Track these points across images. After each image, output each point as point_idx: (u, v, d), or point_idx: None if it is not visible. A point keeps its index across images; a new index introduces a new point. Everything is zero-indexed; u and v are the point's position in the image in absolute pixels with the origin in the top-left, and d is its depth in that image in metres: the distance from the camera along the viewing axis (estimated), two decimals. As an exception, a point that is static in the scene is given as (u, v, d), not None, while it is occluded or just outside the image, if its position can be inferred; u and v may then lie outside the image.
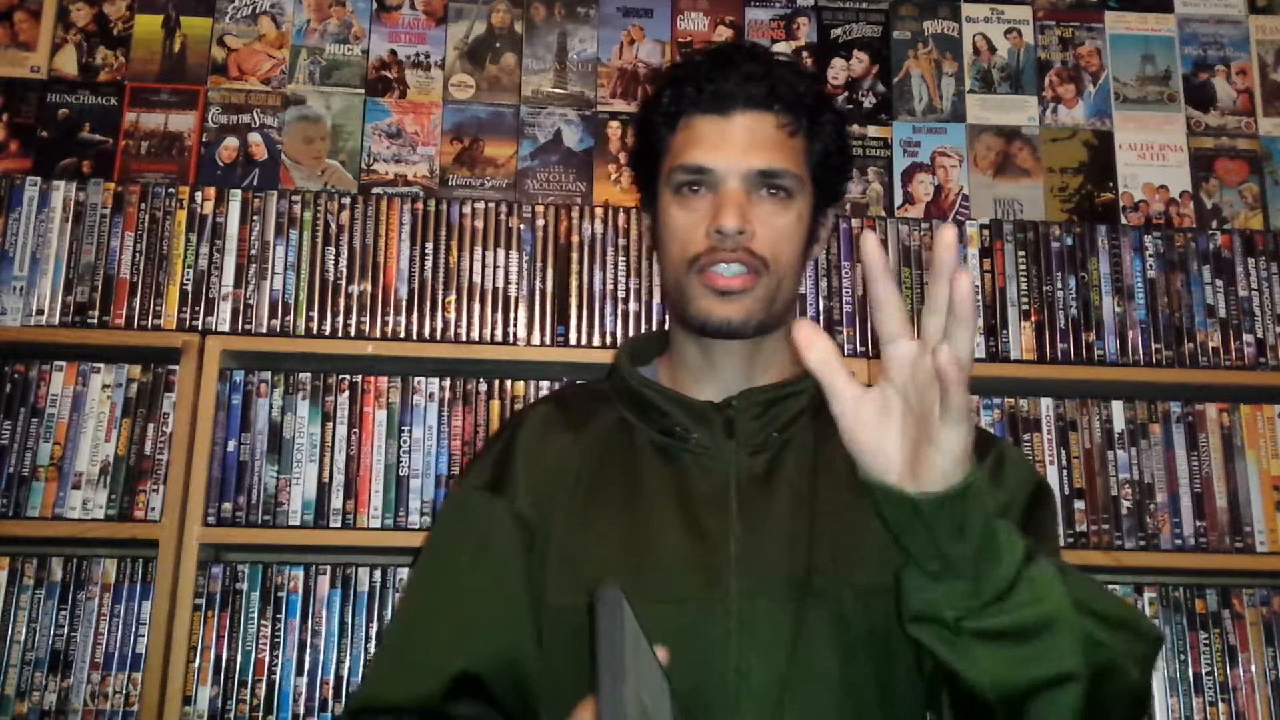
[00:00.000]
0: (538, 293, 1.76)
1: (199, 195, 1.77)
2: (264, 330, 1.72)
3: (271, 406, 1.69)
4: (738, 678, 0.88)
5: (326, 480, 1.66)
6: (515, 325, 1.75)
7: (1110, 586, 1.70)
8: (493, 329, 1.74)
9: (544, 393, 1.69)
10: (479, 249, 1.77)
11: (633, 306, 1.77)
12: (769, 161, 0.99)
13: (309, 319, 1.73)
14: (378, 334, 1.73)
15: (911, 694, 0.91)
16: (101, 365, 1.69)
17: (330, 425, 1.68)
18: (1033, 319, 1.79)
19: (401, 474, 1.67)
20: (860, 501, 0.96)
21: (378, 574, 1.64)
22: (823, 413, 1.05)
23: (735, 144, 0.99)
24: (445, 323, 1.74)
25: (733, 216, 0.97)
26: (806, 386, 1.02)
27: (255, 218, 1.76)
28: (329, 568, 1.65)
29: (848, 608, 0.91)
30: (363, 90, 1.93)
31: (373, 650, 1.62)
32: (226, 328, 1.72)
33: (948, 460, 0.70)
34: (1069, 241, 1.83)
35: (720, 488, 0.98)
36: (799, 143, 1.03)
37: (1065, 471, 1.73)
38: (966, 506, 0.72)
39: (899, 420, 0.72)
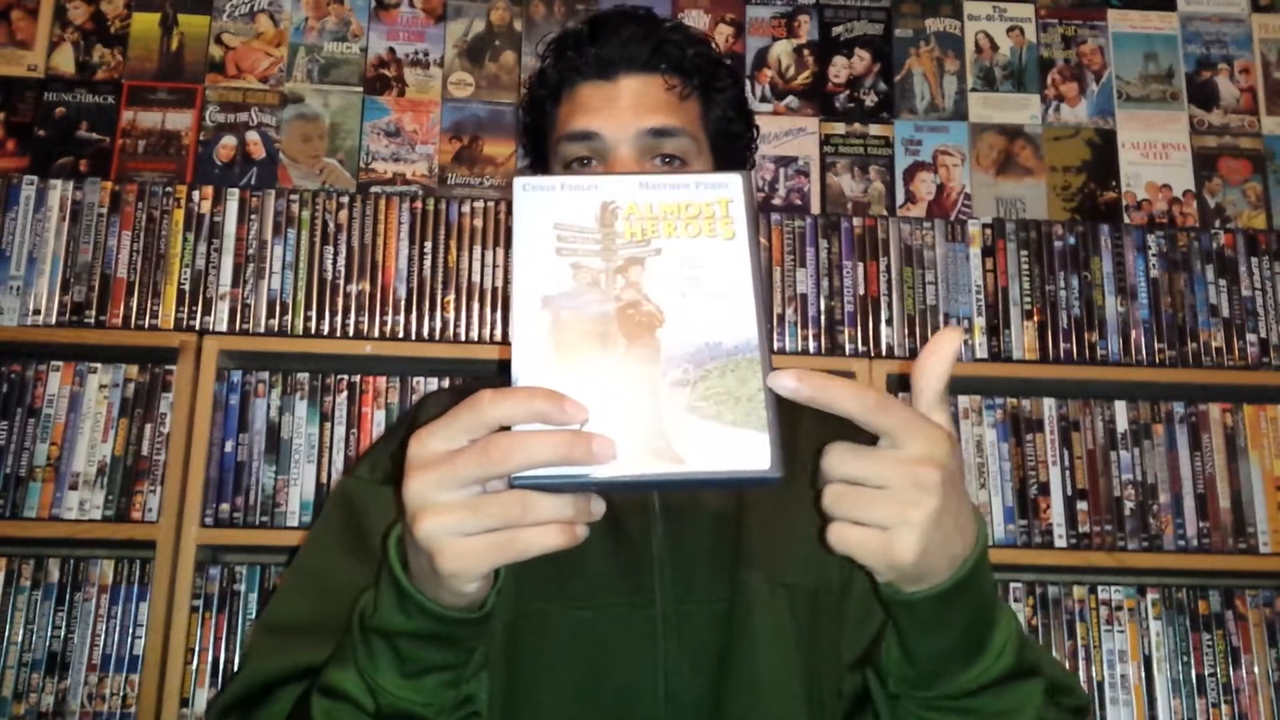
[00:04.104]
0: (537, 292, 1.75)
1: (196, 194, 1.76)
2: (262, 330, 1.71)
3: (269, 407, 1.68)
4: (666, 688, 0.84)
5: (325, 481, 1.66)
6: (515, 325, 1.74)
7: (1113, 588, 1.69)
8: (492, 329, 1.73)
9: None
10: (478, 248, 1.76)
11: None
12: (660, 119, 0.93)
13: (307, 319, 1.72)
14: (376, 334, 1.72)
15: (836, 699, 0.87)
16: (99, 365, 1.68)
17: (328, 425, 1.68)
18: (1035, 319, 1.79)
19: (400, 474, 1.66)
20: (785, 499, 0.92)
21: (376, 575, 1.63)
22: None
23: (622, 106, 0.94)
24: (444, 322, 1.73)
25: None
26: None
27: (253, 217, 1.76)
28: (327, 569, 1.64)
29: (779, 609, 0.86)
30: (361, 88, 1.92)
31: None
32: (224, 327, 1.71)
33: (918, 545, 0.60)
34: (1072, 241, 1.82)
35: None
36: (692, 106, 0.97)
37: (1068, 472, 1.72)
38: (947, 606, 0.64)
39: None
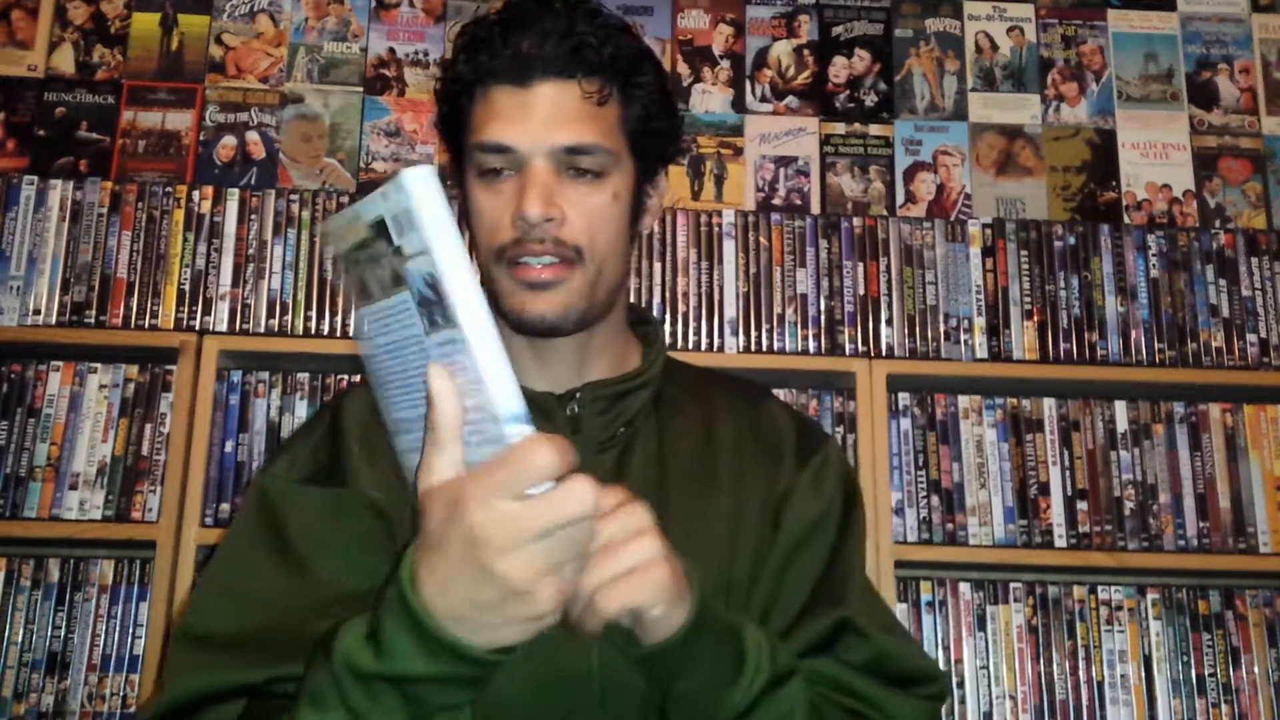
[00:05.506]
0: (537, 292, 1.75)
1: (196, 194, 1.76)
2: (262, 330, 1.71)
3: (269, 406, 1.68)
4: (601, 673, 0.86)
5: (325, 481, 1.66)
6: (515, 325, 1.74)
7: (1113, 588, 1.69)
8: (492, 329, 1.73)
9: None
10: (478, 248, 1.76)
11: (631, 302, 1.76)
12: (576, 136, 0.90)
13: (307, 318, 1.72)
14: (376, 334, 1.72)
15: None
16: (99, 365, 1.68)
17: (329, 425, 1.67)
18: (1035, 319, 1.79)
19: (400, 475, 1.66)
20: (706, 491, 0.96)
21: (376, 575, 1.63)
22: (663, 402, 1.01)
23: (537, 118, 0.90)
24: (444, 322, 1.73)
25: (537, 203, 0.87)
26: (650, 378, 0.98)
27: (253, 217, 1.76)
28: (327, 569, 1.64)
29: None
30: (361, 88, 1.92)
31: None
32: (224, 327, 1.71)
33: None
34: (1072, 241, 1.82)
35: None
36: (611, 110, 0.93)
37: (1068, 472, 1.72)
38: (687, 651, 0.70)
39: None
